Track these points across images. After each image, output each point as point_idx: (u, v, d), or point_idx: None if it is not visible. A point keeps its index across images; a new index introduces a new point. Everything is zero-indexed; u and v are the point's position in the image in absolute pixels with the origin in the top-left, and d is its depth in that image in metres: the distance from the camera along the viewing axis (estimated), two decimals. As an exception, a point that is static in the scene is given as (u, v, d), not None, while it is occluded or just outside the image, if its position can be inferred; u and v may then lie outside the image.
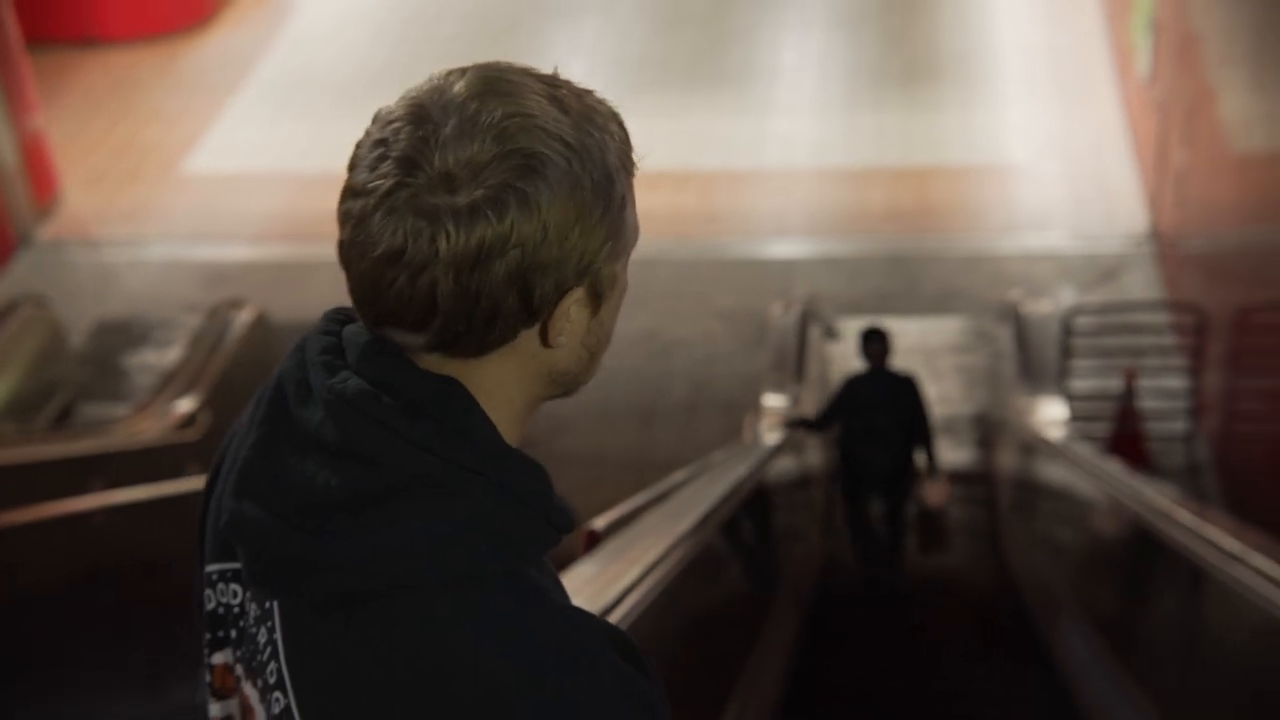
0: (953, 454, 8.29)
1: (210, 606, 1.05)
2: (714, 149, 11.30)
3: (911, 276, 9.64)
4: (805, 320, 7.80)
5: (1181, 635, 4.27)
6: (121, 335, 9.10)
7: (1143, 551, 4.65)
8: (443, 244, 0.91)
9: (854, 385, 6.31)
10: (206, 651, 1.07)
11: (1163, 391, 8.14)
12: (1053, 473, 6.11)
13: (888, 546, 6.49)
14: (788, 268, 9.87)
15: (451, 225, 0.91)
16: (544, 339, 0.99)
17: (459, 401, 0.96)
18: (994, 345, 8.62)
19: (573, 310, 0.98)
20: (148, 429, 6.39)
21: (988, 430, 8.20)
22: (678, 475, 4.57)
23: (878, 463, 6.27)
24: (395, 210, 0.92)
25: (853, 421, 6.29)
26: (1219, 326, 7.68)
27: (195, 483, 6.12)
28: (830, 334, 9.06)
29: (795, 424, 6.35)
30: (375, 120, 0.96)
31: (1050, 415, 7.07)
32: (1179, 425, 8.02)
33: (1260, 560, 3.21)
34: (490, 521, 0.95)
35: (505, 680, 0.91)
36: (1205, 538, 3.67)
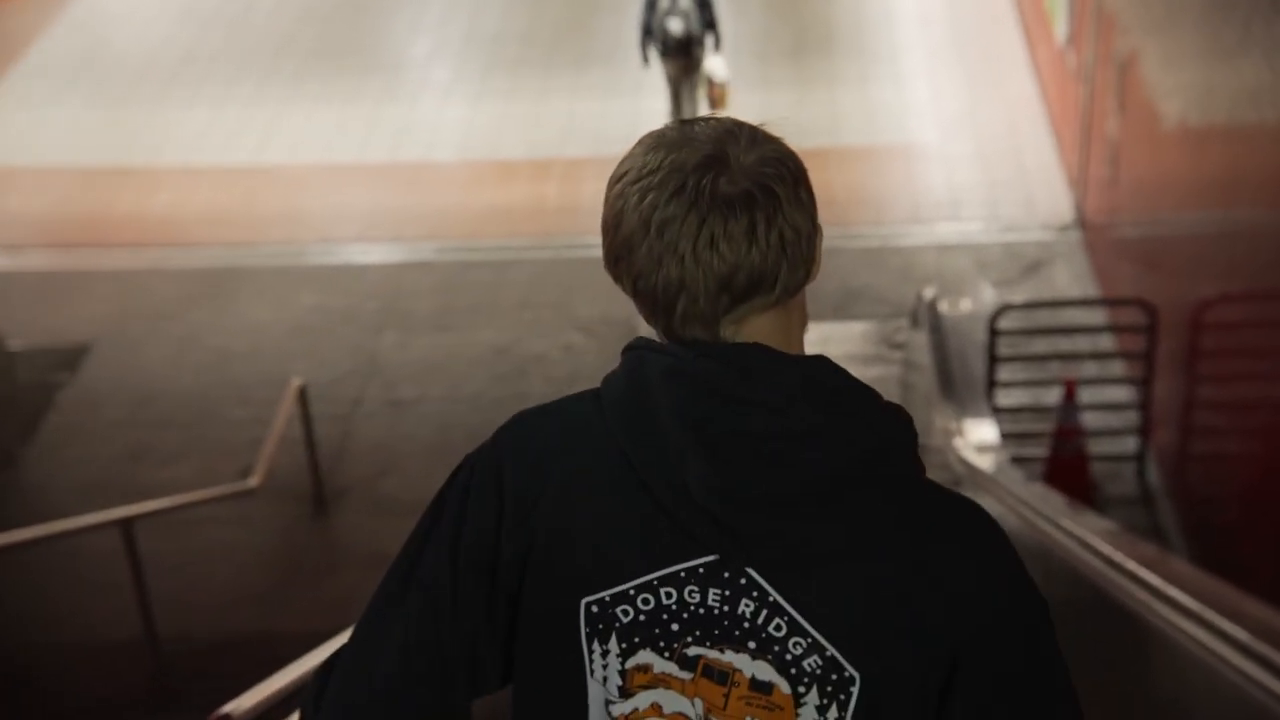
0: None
1: (627, 620, 1.22)
2: (581, 133, 9.86)
3: (807, 274, 8.25)
4: (680, 329, 6.34)
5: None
6: None
7: (1129, 631, 3.35)
8: (779, 189, 1.18)
9: None
10: (618, 658, 1.24)
11: (1105, 403, 6.87)
12: (1004, 521, 4.73)
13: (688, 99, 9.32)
14: (664, 267, 8.43)
15: (774, 175, 1.18)
16: (807, 275, 1.23)
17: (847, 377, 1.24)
18: (906, 354, 7.27)
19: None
20: None
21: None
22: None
23: (679, 26, 8.95)
24: (732, 187, 1.17)
25: (661, 6, 9.03)
26: (1168, 325, 6.43)
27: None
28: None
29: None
30: (634, 171, 1.21)
31: (981, 438, 5.73)
32: (1127, 444, 6.75)
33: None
34: (907, 438, 1.23)
35: (988, 526, 1.25)
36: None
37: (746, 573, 1.19)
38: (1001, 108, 9.71)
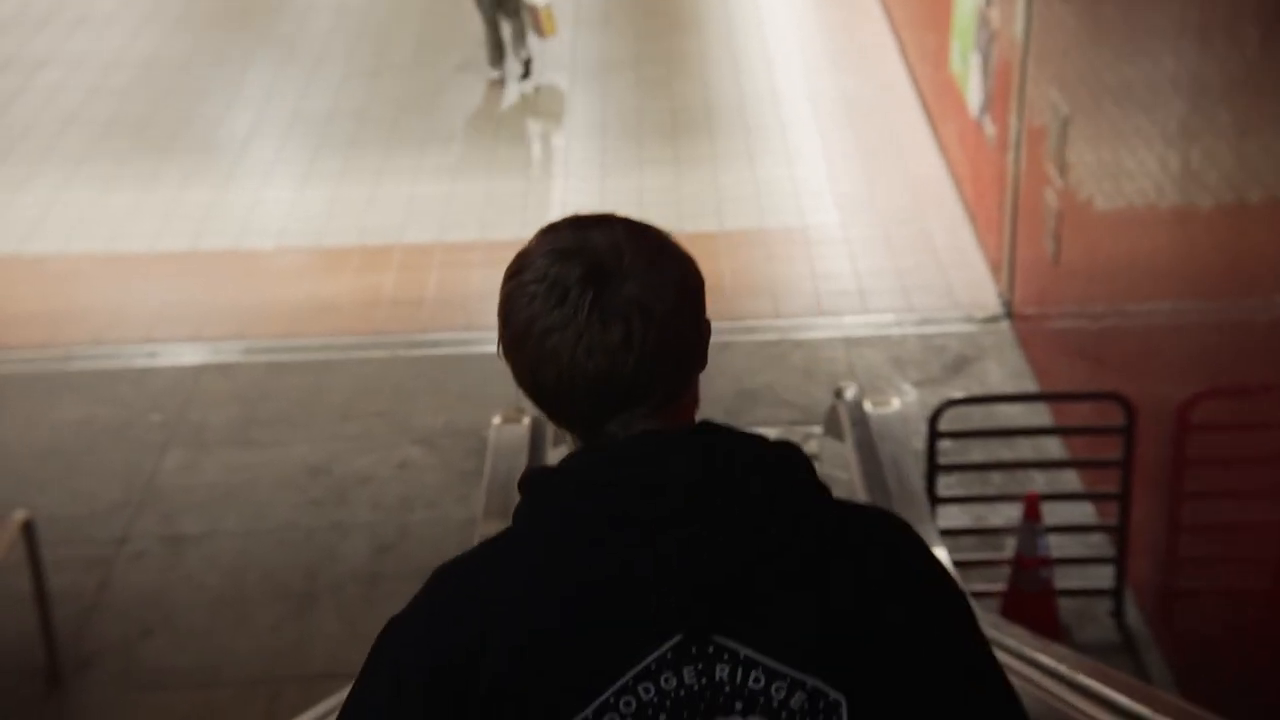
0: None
1: None
2: (423, 217, 8.43)
3: (696, 374, 6.87)
4: (539, 435, 4.86)
5: None
6: None
7: None
8: (658, 307, 1.26)
9: None
10: None
11: (1066, 524, 5.57)
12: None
13: (516, 37, 9.76)
14: (521, 368, 6.96)
15: (656, 295, 1.26)
16: (690, 380, 1.33)
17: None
18: (821, 468, 5.87)
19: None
20: None
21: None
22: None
23: None
24: (608, 309, 1.25)
25: None
26: (1144, 429, 5.20)
27: None
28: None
29: None
30: (527, 271, 1.28)
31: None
32: (1098, 576, 5.45)
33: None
34: (809, 467, 1.33)
35: (902, 527, 1.37)
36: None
37: (713, 640, 1.22)
38: (905, 186, 8.59)
